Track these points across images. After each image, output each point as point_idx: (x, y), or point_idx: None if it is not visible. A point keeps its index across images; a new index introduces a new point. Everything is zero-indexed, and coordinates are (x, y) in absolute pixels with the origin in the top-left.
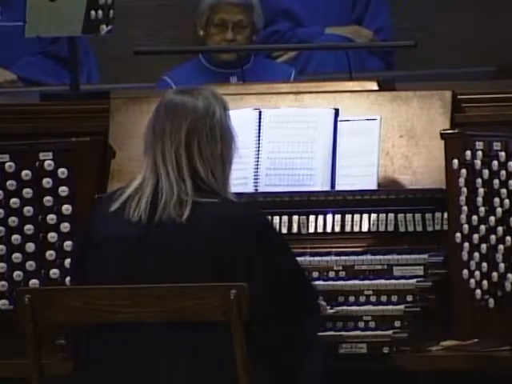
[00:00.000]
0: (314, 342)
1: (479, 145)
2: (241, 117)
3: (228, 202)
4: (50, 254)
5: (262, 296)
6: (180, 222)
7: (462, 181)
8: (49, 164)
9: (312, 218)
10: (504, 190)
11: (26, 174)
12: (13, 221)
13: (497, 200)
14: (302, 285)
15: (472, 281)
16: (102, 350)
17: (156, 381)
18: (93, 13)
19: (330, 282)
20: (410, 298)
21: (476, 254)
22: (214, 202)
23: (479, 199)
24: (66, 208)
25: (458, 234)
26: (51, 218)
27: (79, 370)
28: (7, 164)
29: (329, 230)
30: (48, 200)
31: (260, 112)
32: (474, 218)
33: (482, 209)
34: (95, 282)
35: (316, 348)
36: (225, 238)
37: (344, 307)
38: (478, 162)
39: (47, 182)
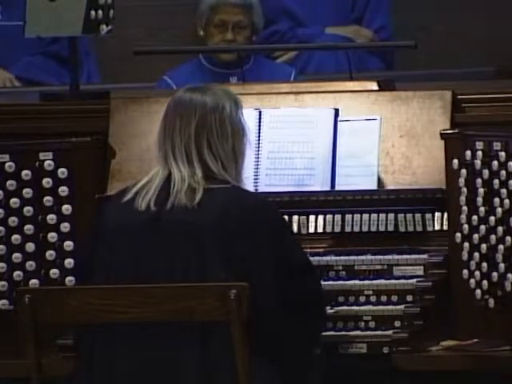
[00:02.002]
0: (317, 340)
1: (479, 145)
2: None
3: (240, 187)
4: (50, 254)
5: (270, 281)
6: (192, 207)
7: (461, 181)
8: (49, 164)
9: (312, 217)
10: (504, 190)
11: (26, 173)
12: (13, 221)
13: (497, 200)
14: (309, 277)
15: (472, 281)
16: (101, 350)
17: (157, 380)
18: (93, 13)
19: (330, 282)
20: (409, 298)
21: (476, 254)
22: (225, 187)
23: (479, 199)
24: (66, 208)
25: (458, 234)
26: (51, 218)
27: (80, 370)
28: (7, 164)
29: (329, 230)
30: (48, 200)
31: (260, 112)
32: (474, 217)
33: (482, 209)
34: (107, 273)
35: (318, 347)
36: (236, 218)
37: (344, 307)
38: (477, 162)
39: (47, 182)
